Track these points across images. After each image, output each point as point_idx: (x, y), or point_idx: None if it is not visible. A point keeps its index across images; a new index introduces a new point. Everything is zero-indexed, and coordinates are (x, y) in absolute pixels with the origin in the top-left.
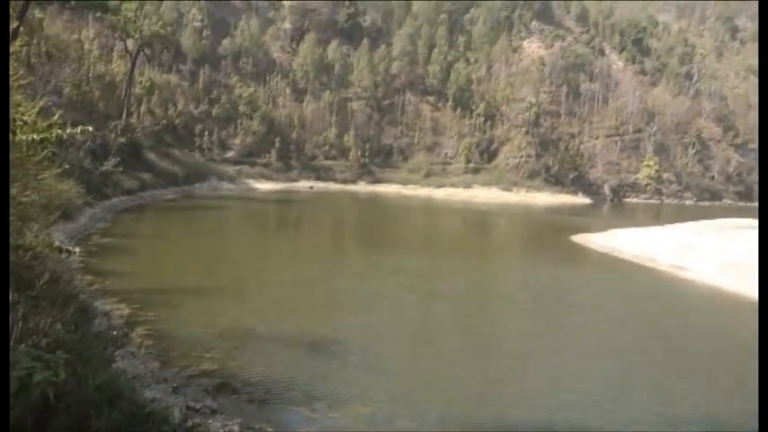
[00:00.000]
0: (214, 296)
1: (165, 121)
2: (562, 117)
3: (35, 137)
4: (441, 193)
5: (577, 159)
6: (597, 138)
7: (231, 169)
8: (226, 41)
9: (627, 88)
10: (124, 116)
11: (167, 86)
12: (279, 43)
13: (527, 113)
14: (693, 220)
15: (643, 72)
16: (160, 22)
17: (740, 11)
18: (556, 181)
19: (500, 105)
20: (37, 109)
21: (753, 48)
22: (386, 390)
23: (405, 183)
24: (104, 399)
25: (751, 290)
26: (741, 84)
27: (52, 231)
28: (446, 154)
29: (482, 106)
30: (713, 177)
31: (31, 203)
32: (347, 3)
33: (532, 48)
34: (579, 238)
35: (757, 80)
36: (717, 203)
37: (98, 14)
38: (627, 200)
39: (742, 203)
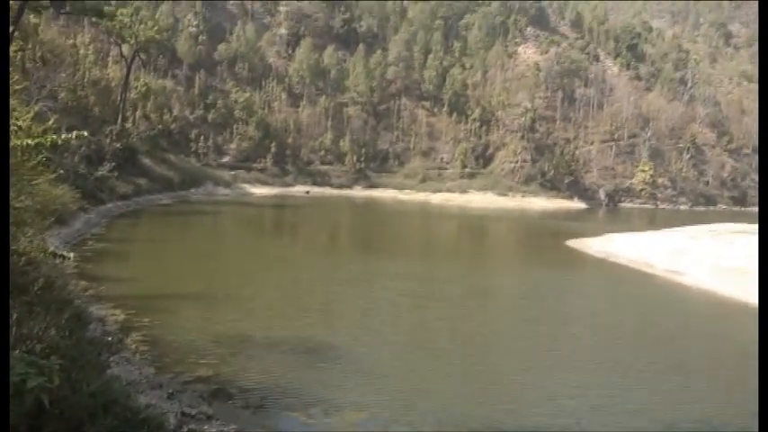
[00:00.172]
0: (210, 301)
1: (160, 126)
2: (557, 122)
3: (30, 142)
4: (437, 198)
5: (573, 164)
6: (592, 143)
7: (227, 174)
8: (221, 47)
9: (622, 93)
10: (119, 121)
11: (163, 91)
12: (275, 48)
13: (522, 118)
14: (688, 225)
15: (638, 77)
16: (156, 28)
17: (733, 17)
18: (551, 186)
19: (495, 110)
20: (32, 114)
21: (746, 53)
22: (382, 395)
23: (401, 188)
24: (99, 405)
25: (745, 294)
26: (735, 89)
27: (47, 236)
28: (442, 159)
29: (478, 111)
30: (708, 182)
31: (26, 208)
32: (343, 8)
33: (528, 53)
34: (576, 243)
35: (751, 85)
36: (711, 208)
37: (93, 20)
38: (622, 205)
39: (736, 208)
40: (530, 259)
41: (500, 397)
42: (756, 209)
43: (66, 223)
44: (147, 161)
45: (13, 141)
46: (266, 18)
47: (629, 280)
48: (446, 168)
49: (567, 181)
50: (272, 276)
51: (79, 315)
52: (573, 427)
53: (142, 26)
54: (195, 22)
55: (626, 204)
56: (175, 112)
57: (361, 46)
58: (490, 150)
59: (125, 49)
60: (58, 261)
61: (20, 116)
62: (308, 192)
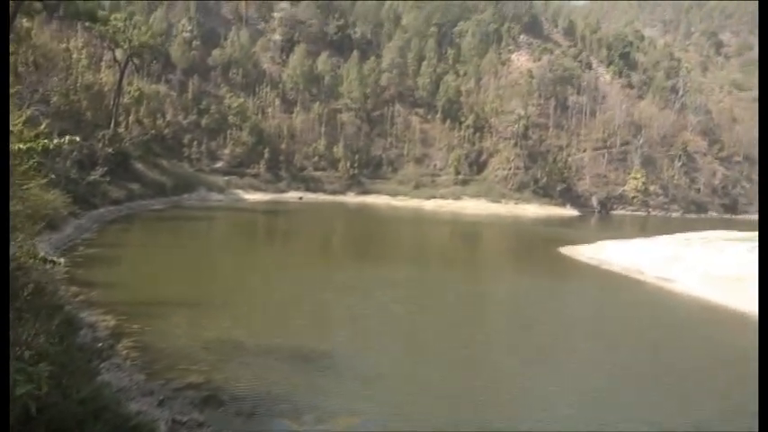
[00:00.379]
0: (201, 308)
1: (153, 131)
2: (550, 129)
3: (21, 146)
4: (430, 205)
5: (565, 171)
6: (585, 150)
7: (220, 180)
8: (215, 52)
9: (614, 101)
10: (112, 126)
11: (156, 96)
12: (269, 54)
13: (516, 126)
14: (680, 233)
15: (630, 85)
16: (149, 32)
17: (724, 26)
18: (544, 193)
19: (489, 117)
20: (24, 118)
21: (736, 62)
22: (375, 401)
23: (394, 194)
24: (89, 412)
25: (735, 301)
26: (726, 98)
27: (37, 242)
28: (435, 165)
29: (471, 118)
30: (699, 190)
31: (17, 213)
32: (337, 15)
33: (521, 61)
34: (568, 251)
35: (742, 94)
36: (703, 216)
37: (87, 24)
38: (614, 212)
39: (727, 216)
40: (522, 266)
41: (494, 403)
42: (746, 216)
43: (58, 228)
44: (139, 166)
45: None
46: (260, 24)
47: (620, 287)
48: (439, 175)
49: (559, 188)
50: (264, 282)
51: (69, 321)
52: None
53: (136, 31)
54: (189, 27)
55: (618, 211)
56: (168, 118)
57: (355, 52)
58: (483, 157)
59: (118, 53)
60: (48, 266)
61: (12, 120)
62: (301, 198)
